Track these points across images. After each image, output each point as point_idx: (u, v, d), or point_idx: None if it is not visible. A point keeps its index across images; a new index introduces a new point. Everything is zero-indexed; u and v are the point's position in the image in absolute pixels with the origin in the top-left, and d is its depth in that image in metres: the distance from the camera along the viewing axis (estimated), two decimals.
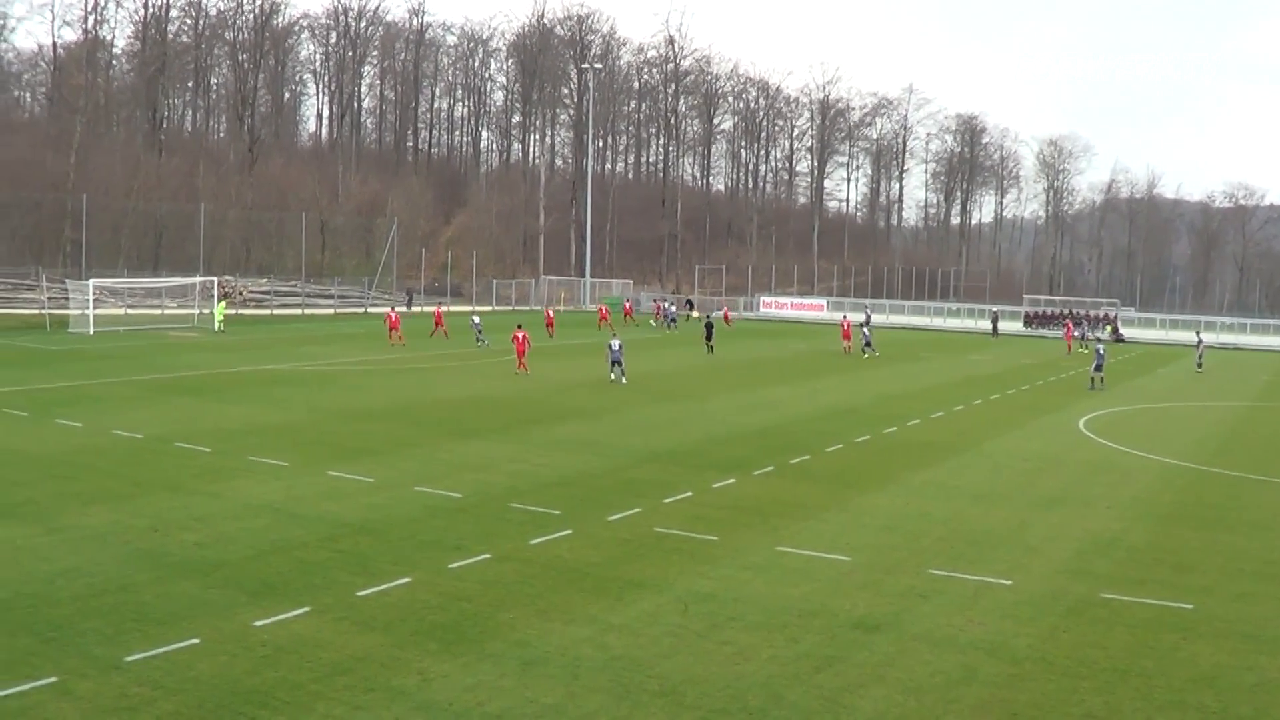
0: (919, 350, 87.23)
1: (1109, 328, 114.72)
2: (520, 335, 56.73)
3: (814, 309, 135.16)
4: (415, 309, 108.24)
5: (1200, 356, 79.90)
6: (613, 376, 54.76)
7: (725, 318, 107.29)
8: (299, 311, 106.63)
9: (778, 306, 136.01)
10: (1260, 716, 16.99)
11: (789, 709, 16.35)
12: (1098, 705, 17.05)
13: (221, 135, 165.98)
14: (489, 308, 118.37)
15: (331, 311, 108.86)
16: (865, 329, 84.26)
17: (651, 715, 15.94)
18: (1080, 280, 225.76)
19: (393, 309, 79.56)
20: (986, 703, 16.97)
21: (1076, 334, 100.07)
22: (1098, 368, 62.68)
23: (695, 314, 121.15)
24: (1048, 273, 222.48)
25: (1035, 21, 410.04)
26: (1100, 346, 66.07)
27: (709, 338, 76.41)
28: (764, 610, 20.69)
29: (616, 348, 55.40)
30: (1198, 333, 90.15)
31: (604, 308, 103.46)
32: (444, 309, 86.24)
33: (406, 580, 21.54)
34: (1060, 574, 24.10)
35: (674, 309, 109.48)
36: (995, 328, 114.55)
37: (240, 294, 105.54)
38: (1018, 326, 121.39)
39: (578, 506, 28.35)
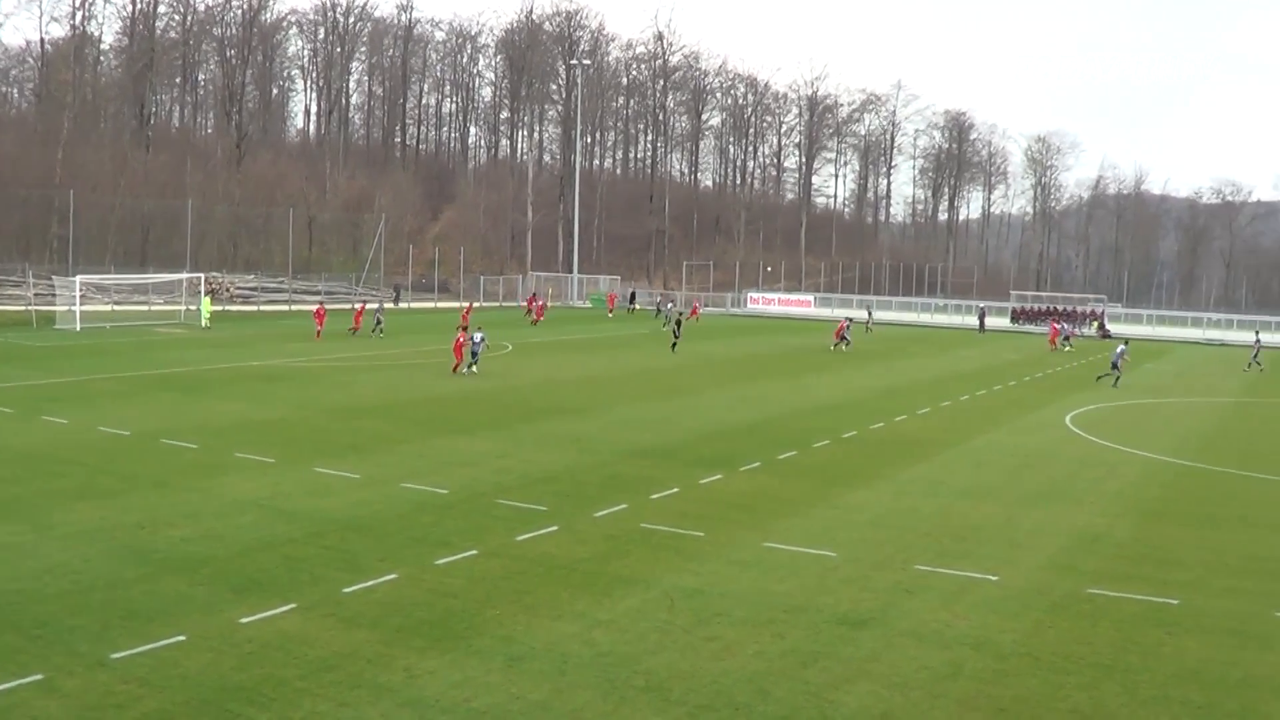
0: (906, 346, 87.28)
1: (1096, 324, 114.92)
2: (463, 337, 56.12)
3: (802, 305, 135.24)
4: (404, 305, 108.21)
5: (1256, 355, 79.92)
6: (471, 369, 54.44)
7: (694, 312, 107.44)
8: (286, 308, 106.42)
9: (765, 302, 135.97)
10: (1246, 712, 17.05)
11: (775, 704, 16.37)
12: (1083, 701, 17.10)
13: (209, 131, 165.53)
14: (477, 303, 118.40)
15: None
16: (867, 325, 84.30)
17: (638, 711, 15.97)
18: (1067, 276, 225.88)
19: (322, 305, 78.88)
20: (972, 698, 17.01)
21: (1070, 331, 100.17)
22: (1115, 365, 62.61)
23: (637, 307, 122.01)
24: (1035, 269, 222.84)
25: (1023, 18, 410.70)
26: (1121, 345, 65.81)
27: (675, 335, 74.56)
28: (750, 606, 20.72)
29: (479, 339, 55.28)
30: (1257, 332, 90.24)
31: (613, 295, 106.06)
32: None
33: (393, 577, 21.53)
34: (1046, 569, 24.16)
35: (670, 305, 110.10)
36: (982, 324, 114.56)
37: (227, 290, 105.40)
38: (1005, 323, 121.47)
39: (564, 502, 28.35)
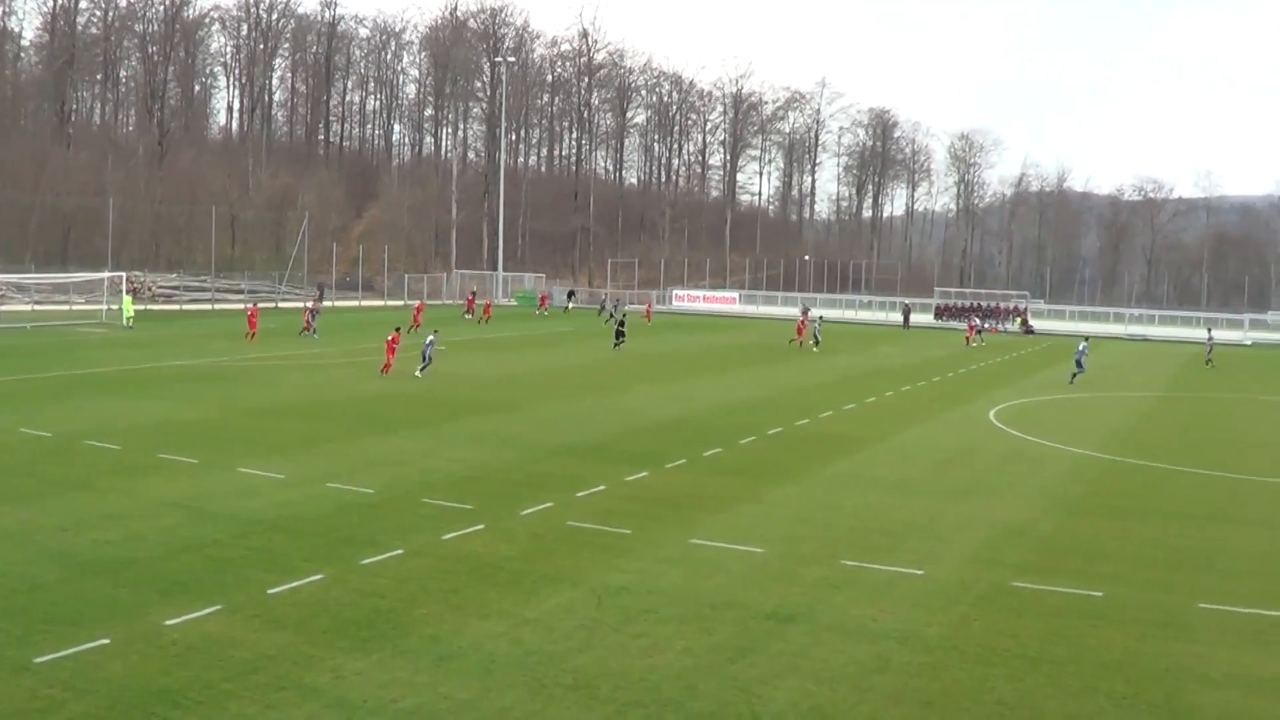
0: (831, 343, 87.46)
1: (1019, 320, 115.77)
2: (396, 337, 54.97)
3: (726, 302, 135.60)
4: (327, 303, 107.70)
5: (1210, 351, 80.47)
6: (420, 372, 53.54)
7: (647, 313, 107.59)
8: (209, 307, 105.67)
9: (690, 300, 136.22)
10: (1171, 701, 17.21)
11: (703, 701, 16.38)
12: (1009, 693, 17.22)
13: (131, 129, 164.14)
14: (400, 302, 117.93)
15: (242, 306, 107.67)
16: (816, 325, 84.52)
17: (566, 709, 15.94)
18: (991, 273, 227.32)
19: (255, 304, 78.00)
20: (900, 691, 17.09)
21: (984, 327, 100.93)
22: (1079, 362, 63.11)
23: (571, 306, 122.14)
24: (959, 265, 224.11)
25: (948, 16, 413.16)
26: (1083, 342, 66.00)
27: (619, 335, 73.60)
28: (678, 603, 20.74)
29: (430, 341, 54.56)
30: (1209, 329, 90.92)
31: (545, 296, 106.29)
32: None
33: (319, 577, 21.39)
34: (971, 563, 24.31)
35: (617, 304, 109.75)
36: (907, 320, 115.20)
37: (149, 289, 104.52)
38: (929, 319, 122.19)
39: (490, 501, 28.26)
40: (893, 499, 30.76)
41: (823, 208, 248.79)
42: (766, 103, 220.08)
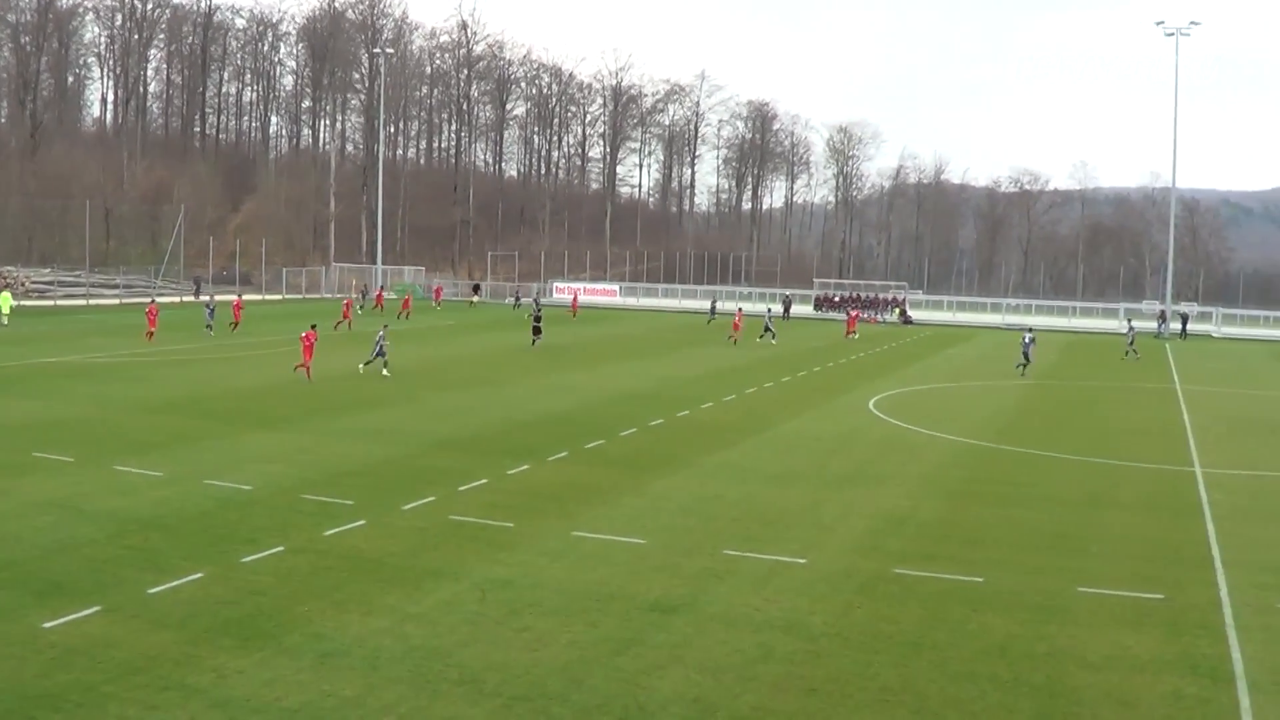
0: (711, 334, 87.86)
1: (897, 310, 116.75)
2: (313, 335, 52.48)
3: (607, 295, 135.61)
4: (205, 297, 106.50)
5: (1132, 342, 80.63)
6: (383, 372, 53.01)
7: (573, 306, 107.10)
8: (84, 302, 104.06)
9: (570, 292, 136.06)
10: (1052, 685, 17.46)
11: (588, 693, 16.39)
12: (893, 678, 17.38)
13: (2, 120, 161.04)
14: (279, 296, 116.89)
15: (117, 302, 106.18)
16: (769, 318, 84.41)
17: (452, 704, 15.88)
18: (869, 264, 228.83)
19: (153, 300, 76.75)
20: (784, 679, 17.19)
21: (864, 317, 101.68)
22: (1025, 354, 63.58)
23: (477, 300, 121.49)
24: (838, 257, 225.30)
25: (826, 10, 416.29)
26: (1028, 334, 66.30)
27: (536, 331, 71.73)
28: (561, 595, 20.73)
29: (380, 336, 53.74)
30: (1130, 320, 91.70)
31: (439, 287, 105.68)
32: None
33: (199, 575, 21.13)
34: (853, 551, 24.52)
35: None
36: (787, 311, 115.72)
37: (22, 285, 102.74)
38: (808, 310, 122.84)
39: (372, 496, 28.10)
40: (774, 489, 30.94)
41: (703, 200, 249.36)
42: (646, 95, 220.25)
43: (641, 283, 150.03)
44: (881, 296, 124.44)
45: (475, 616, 19.48)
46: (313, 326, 52.35)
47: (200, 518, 25.59)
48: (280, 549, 23.01)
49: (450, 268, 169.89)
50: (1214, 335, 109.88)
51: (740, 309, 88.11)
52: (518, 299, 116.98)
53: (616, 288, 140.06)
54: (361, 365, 53.04)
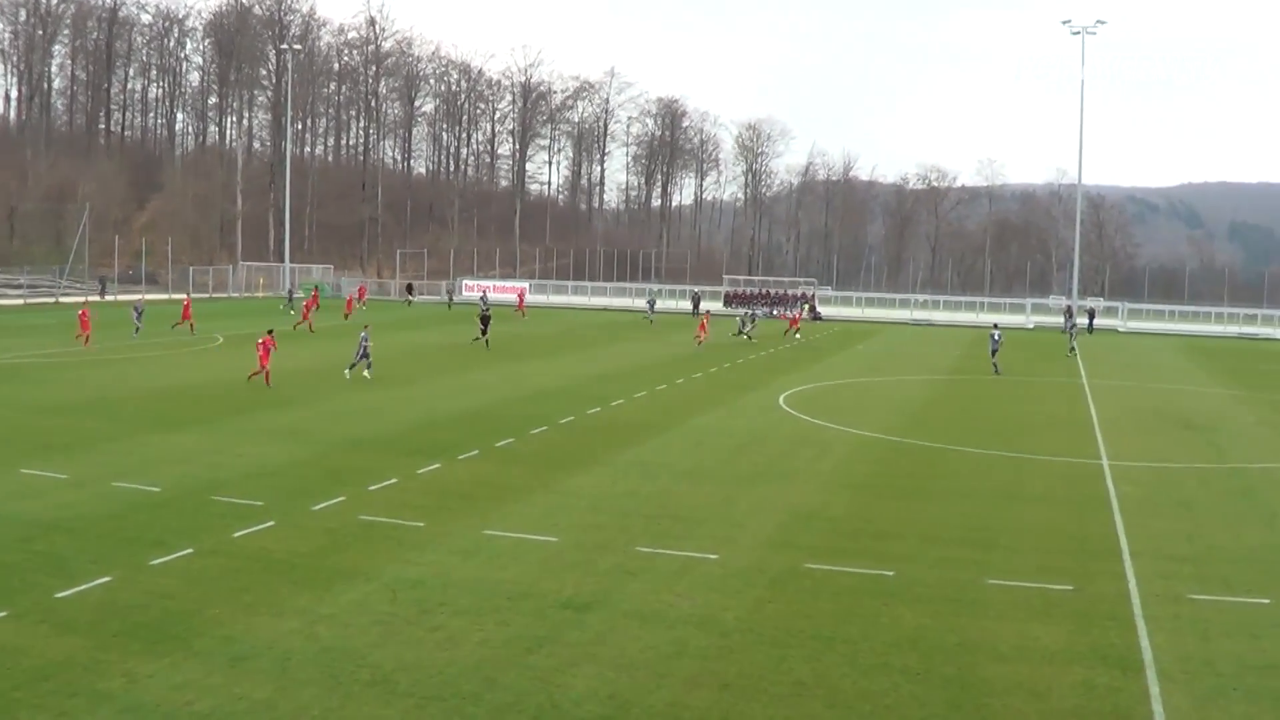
0: (621, 331, 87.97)
1: (807, 306, 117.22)
2: (270, 340, 49.45)
3: (516, 292, 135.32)
4: (110, 298, 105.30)
5: (1072, 338, 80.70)
6: (365, 373, 51.90)
7: (520, 305, 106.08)
8: None
9: (480, 290, 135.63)
10: (963, 676, 17.57)
11: (502, 692, 16.32)
12: (806, 673, 17.42)
13: None
14: (183, 295, 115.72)
15: (21, 302, 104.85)
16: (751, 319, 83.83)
17: (364, 705, 15.76)
18: (779, 260, 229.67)
19: (88, 300, 75.84)
20: (697, 675, 17.19)
21: (771, 314, 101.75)
22: (994, 353, 63.81)
23: (413, 299, 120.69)
24: (747, 253, 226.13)
25: (736, 7, 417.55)
26: (996, 333, 66.31)
27: (484, 330, 69.87)
28: (473, 594, 20.64)
29: (363, 337, 52.61)
30: (1071, 314, 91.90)
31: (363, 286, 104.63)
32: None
33: (107, 579, 20.84)
34: (765, 547, 24.59)
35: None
36: (696, 307, 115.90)
37: None
38: (718, 306, 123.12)
39: (281, 497, 27.84)
40: (686, 485, 30.98)
41: (612, 197, 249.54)
42: (555, 92, 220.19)
43: (551, 280, 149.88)
44: (791, 293, 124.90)
45: (387, 617, 19.34)
46: (269, 332, 50.35)
47: (108, 520, 25.24)
48: (189, 551, 22.73)
49: (359, 266, 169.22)
50: (1120, 330, 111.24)
51: (708, 311, 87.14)
52: (451, 297, 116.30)
53: (526, 285, 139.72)
54: (347, 370, 52.31)
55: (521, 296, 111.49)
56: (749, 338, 79.96)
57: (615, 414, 43.97)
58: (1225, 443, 42.09)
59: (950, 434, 41.53)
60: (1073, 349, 78.72)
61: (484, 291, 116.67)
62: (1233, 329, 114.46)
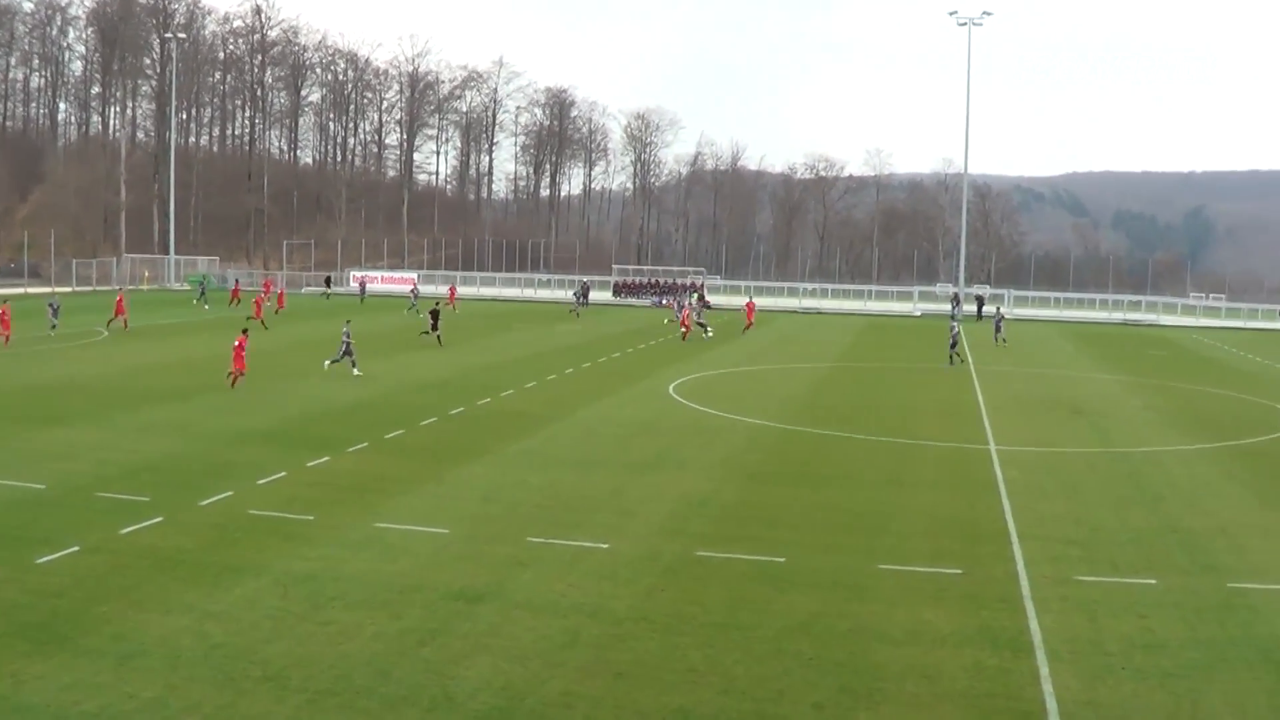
0: (509, 321, 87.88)
1: (696, 295, 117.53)
2: (244, 340, 47.49)
3: (405, 283, 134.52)
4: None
5: (999, 328, 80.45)
6: (354, 371, 50.89)
7: (451, 298, 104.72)
8: None
9: (369, 281, 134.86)
10: (855, 660, 17.76)
11: (395, 685, 16.27)
12: (699, 659, 17.50)
13: None
14: (69, 289, 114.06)
15: None
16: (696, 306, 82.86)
17: (257, 701, 15.64)
18: (668, 250, 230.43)
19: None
20: (590, 664, 17.23)
21: (669, 303, 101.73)
22: (953, 345, 64.12)
23: (331, 293, 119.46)
24: (636, 243, 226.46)
25: None
26: (955, 325, 66.25)
27: (434, 326, 66.97)
28: (365, 587, 20.55)
29: (345, 332, 51.65)
30: (999, 309, 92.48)
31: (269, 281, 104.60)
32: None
33: None
34: (656, 535, 24.67)
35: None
36: (585, 297, 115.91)
37: None
38: (607, 296, 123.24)
39: (168, 492, 27.52)
40: (577, 475, 31.02)
41: (501, 187, 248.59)
42: (443, 82, 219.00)
43: (440, 270, 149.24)
44: (680, 282, 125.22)
45: (278, 612, 19.20)
46: (244, 331, 48.68)
47: None
48: (76, 549, 22.42)
49: (245, 257, 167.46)
50: (1005, 316, 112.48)
51: (688, 304, 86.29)
52: (363, 289, 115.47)
53: (415, 275, 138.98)
54: (327, 363, 51.68)
55: (453, 290, 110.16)
56: (706, 332, 77.36)
57: (505, 404, 43.90)
58: (1111, 427, 42.77)
59: (839, 421, 41.87)
60: (1003, 339, 77.59)
61: (414, 284, 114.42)
62: (1117, 315, 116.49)
